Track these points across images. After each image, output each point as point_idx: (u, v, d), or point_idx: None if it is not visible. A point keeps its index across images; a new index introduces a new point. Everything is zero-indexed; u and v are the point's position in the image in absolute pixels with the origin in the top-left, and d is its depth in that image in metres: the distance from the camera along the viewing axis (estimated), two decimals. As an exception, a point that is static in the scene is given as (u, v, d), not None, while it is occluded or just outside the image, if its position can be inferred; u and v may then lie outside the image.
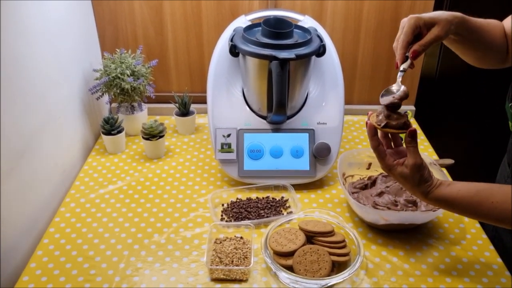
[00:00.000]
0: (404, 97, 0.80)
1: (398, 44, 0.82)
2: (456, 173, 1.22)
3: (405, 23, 0.81)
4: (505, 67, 0.97)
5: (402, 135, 0.82)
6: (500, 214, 0.75)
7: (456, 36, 0.86)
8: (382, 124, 0.80)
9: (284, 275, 0.88)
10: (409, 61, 0.81)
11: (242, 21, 1.21)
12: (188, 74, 1.50)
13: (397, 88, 0.82)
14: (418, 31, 0.81)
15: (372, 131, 0.81)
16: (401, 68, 0.81)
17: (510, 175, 1.03)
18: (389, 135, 0.84)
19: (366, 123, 0.82)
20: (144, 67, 1.33)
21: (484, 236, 1.03)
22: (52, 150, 1.12)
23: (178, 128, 1.42)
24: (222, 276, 0.91)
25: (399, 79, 0.82)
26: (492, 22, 0.92)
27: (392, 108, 0.80)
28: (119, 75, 1.27)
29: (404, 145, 0.82)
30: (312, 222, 0.98)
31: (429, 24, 0.80)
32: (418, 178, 0.79)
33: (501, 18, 0.95)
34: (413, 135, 0.78)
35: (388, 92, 0.82)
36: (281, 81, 1.05)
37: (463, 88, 1.66)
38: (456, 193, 0.78)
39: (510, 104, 0.93)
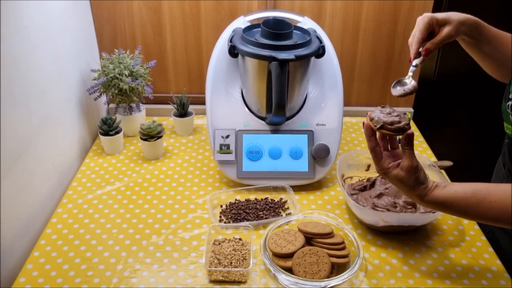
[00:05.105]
0: (413, 91, 0.88)
1: (413, 40, 0.87)
2: (454, 174, 1.23)
3: (420, 20, 0.87)
4: None
5: (400, 136, 0.82)
6: (498, 213, 0.74)
7: (469, 38, 0.90)
8: (378, 126, 0.80)
9: (283, 277, 0.87)
10: (421, 58, 0.88)
11: (241, 22, 1.20)
12: (187, 75, 1.49)
13: (408, 81, 0.90)
14: (432, 29, 0.87)
15: (369, 131, 0.80)
16: (414, 64, 0.88)
17: (506, 176, 1.03)
18: (387, 136, 0.84)
19: (363, 123, 0.82)
20: (142, 67, 1.32)
21: (483, 238, 1.03)
22: (50, 151, 1.12)
23: (176, 129, 1.42)
24: (221, 278, 0.90)
25: (410, 73, 0.89)
26: (507, 34, 0.94)
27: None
28: (117, 75, 1.26)
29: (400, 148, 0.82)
30: (311, 224, 0.97)
31: (442, 23, 0.87)
32: (414, 180, 0.78)
33: (501, 19, 0.95)
34: (409, 138, 0.78)
35: (400, 83, 0.90)
36: (280, 82, 1.05)
37: (460, 90, 1.66)
38: (453, 195, 0.78)
39: (508, 103, 0.93)
